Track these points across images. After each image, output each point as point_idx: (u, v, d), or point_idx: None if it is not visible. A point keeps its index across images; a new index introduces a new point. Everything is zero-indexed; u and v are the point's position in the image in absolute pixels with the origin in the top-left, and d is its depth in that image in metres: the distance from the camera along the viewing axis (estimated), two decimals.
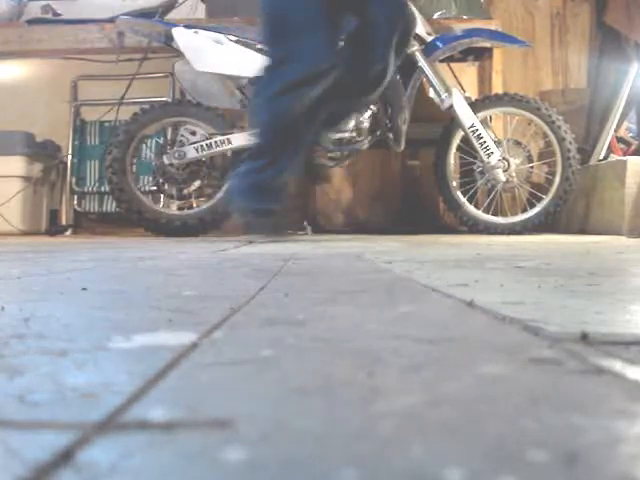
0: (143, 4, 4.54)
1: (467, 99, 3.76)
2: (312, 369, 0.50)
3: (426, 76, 3.72)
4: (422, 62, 3.69)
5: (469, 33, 3.86)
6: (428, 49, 3.74)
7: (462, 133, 3.80)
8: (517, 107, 3.82)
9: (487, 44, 4.15)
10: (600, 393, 0.43)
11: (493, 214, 3.90)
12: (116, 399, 0.41)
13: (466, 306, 0.83)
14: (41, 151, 4.84)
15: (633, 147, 4.53)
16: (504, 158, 3.74)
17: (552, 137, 3.78)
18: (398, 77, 3.64)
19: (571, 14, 4.98)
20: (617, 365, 0.50)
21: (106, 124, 4.85)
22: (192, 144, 3.78)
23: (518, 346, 0.59)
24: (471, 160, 3.88)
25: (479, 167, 3.84)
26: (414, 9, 3.75)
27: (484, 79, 4.58)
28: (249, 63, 3.71)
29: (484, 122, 3.76)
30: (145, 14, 4.32)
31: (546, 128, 3.79)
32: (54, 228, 4.89)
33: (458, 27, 4.09)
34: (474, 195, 3.93)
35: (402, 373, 0.48)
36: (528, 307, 0.81)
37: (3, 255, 2.25)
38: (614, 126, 4.36)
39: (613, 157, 4.27)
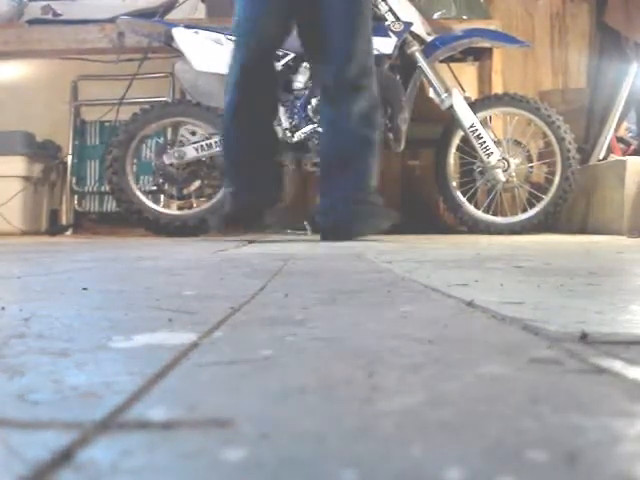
0: (143, 4, 4.55)
1: (467, 99, 3.76)
2: (312, 369, 0.50)
3: (426, 76, 3.72)
4: (422, 62, 3.69)
5: (469, 33, 3.86)
6: (428, 49, 3.74)
7: (462, 133, 3.80)
8: (517, 107, 3.82)
9: (487, 44, 4.16)
10: (600, 393, 0.43)
11: (493, 214, 3.90)
12: (116, 398, 0.41)
13: (466, 306, 0.83)
14: (41, 151, 4.85)
15: (633, 147, 4.53)
16: (504, 158, 3.74)
17: (552, 137, 3.78)
18: (398, 77, 3.64)
19: (571, 14, 4.99)
20: (617, 365, 0.50)
21: (106, 124, 4.85)
22: (192, 144, 3.78)
23: (518, 346, 0.59)
24: (471, 160, 3.88)
25: (479, 167, 3.84)
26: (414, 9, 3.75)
27: (484, 79, 4.57)
28: None
29: (484, 122, 3.76)
30: (145, 14, 4.32)
31: (546, 128, 3.79)
32: (54, 228, 4.89)
33: (458, 27, 4.09)
34: (474, 195, 3.93)
35: (402, 373, 0.48)
36: (528, 307, 0.81)
37: (3, 255, 2.25)
38: (614, 126, 4.36)
39: (613, 157, 4.27)
